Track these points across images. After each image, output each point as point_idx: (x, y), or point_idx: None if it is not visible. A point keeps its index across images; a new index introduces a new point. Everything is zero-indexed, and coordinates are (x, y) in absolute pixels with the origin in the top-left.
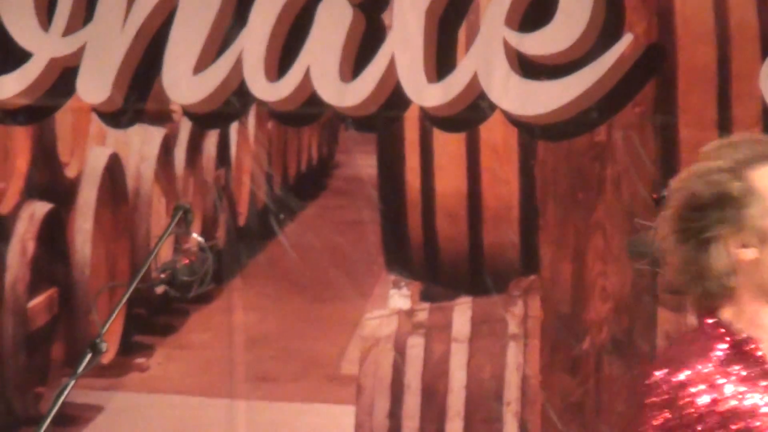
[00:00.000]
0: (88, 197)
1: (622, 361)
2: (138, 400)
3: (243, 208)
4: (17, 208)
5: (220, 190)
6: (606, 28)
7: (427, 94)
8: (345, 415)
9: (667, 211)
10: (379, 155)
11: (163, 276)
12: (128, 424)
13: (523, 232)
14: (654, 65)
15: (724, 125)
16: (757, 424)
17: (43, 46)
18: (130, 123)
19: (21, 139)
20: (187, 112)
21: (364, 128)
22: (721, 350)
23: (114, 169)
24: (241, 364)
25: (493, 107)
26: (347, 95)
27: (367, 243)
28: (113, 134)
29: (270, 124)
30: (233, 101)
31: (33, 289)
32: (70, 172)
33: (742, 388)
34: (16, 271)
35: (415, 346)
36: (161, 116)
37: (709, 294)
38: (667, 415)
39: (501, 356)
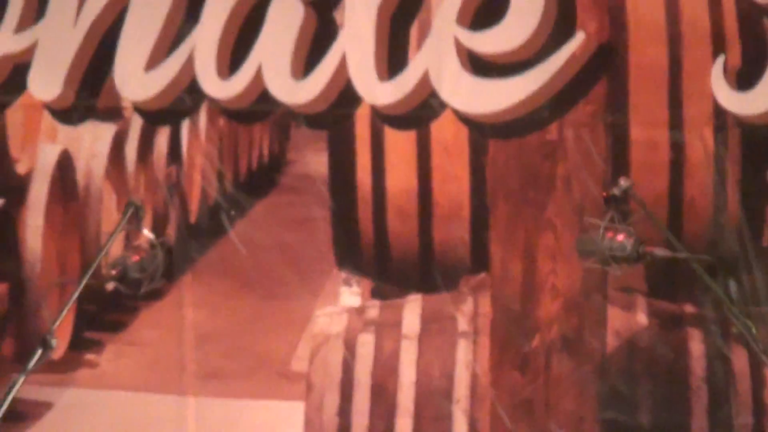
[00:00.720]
0: (38, 193)
1: (571, 359)
2: (88, 396)
3: (194, 205)
4: None
5: (171, 186)
6: (558, 27)
7: (379, 92)
8: (294, 412)
9: None
10: (330, 153)
11: (113, 272)
12: (78, 420)
13: (473, 230)
14: (605, 64)
15: (675, 124)
16: None
17: None
18: (82, 120)
19: None
20: (138, 108)
21: (315, 126)
22: None
23: (65, 165)
24: (191, 360)
25: (444, 105)
26: (299, 93)
27: (318, 240)
28: (64, 131)
29: (221, 122)
30: (184, 98)
31: None
32: (21, 169)
33: None
34: None
35: (365, 343)
36: (112, 113)
37: None
38: None
39: (451, 354)
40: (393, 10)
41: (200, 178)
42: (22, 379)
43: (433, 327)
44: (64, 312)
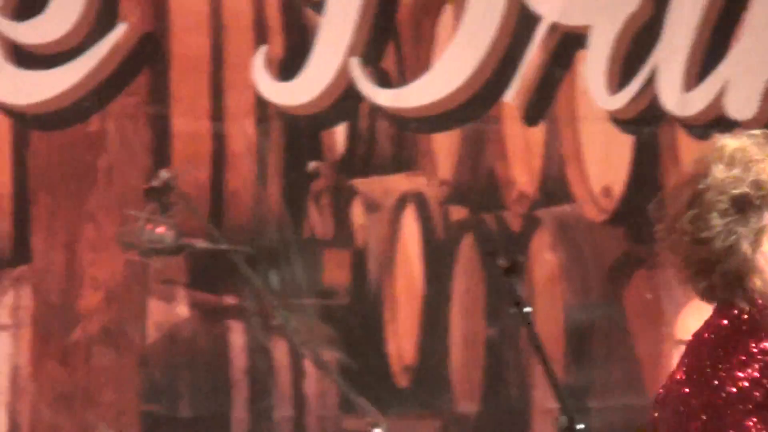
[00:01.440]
0: None
1: (112, 351)
2: None
3: None
4: None
5: None
6: (100, 17)
7: None
8: None
9: (679, 213)
10: None
11: None
12: None
13: (15, 222)
14: (148, 55)
15: (218, 115)
16: None
17: None
18: None
19: None
20: None
21: None
22: None
23: None
24: None
25: None
26: None
27: None
28: None
29: None
30: None
31: None
32: None
33: None
34: None
35: None
36: None
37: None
38: None
39: None
40: None
41: None
42: None
43: None
44: None
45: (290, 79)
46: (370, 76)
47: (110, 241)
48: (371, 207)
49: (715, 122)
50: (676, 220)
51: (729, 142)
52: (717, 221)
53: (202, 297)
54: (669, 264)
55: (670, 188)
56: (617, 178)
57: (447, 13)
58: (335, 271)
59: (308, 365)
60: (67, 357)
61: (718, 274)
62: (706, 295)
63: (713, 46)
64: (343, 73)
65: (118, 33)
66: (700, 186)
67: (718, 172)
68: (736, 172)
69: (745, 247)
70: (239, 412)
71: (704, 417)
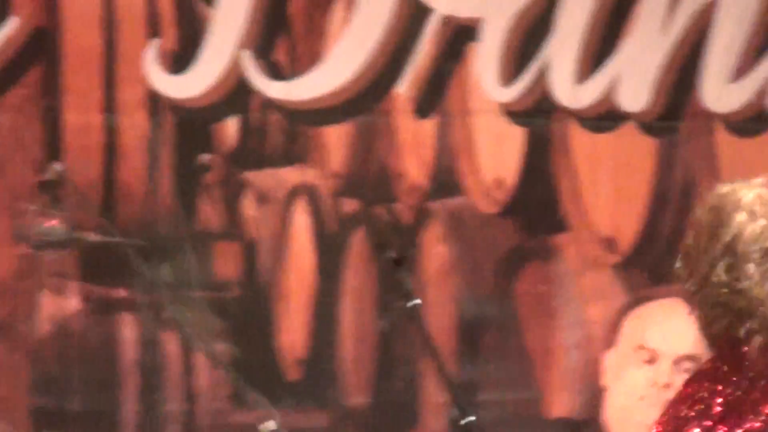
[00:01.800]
0: None
1: (3, 345)
2: None
3: None
4: None
5: None
6: None
7: None
8: None
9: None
10: None
11: None
12: None
13: None
14: (40, 48)
15: (110, 108)
16: None
17: None
18: None
19: None
20: None
21: None
22: None
23: None
24: None
25: None
26: None
27: None
28: None
29: None
30: None
31: None
32: None
33: None
34: None
35: None
36: None
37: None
38: None
39: None
40: None
41: None
42: None
43: None
44: None
45: (182, 72)
46: (261, 69)
47: (2, 234)
48: (262, 199)
49: (606, 114)
50: (710, 274)
51: (743, 192)
52: (753, 270)
53: (94, 290)
54: (696, 317)
55: (687, 244)
56: (509, 170)
57: (338, 5)
58: (226, 264)
59: (199, 358)
60: None
61: (758, 319)
62: (744, 341)
63: (605, 38)
64: (235, 65)
65: (10, 27)
66: (728, 238)
67: (744, 224)
68: (762, 222)
69: None
70: (130, 405)
71: None
